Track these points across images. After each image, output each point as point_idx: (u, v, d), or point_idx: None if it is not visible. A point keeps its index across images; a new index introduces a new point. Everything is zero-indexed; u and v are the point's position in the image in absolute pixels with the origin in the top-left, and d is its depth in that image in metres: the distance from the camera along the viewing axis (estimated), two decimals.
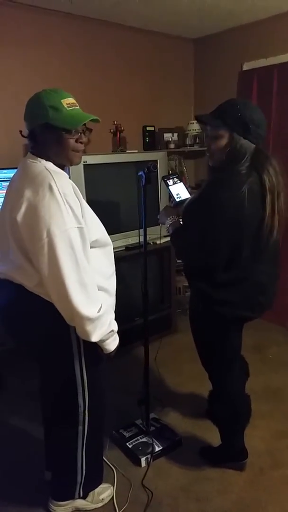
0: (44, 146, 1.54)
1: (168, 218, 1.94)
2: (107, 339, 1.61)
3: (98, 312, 1.50)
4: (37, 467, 2.11)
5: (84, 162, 2.78)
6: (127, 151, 3.49)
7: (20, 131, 1.61)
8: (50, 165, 1.54)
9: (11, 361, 2.92)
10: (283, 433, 2.39)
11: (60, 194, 1.43)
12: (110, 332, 1.60)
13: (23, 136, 1.60)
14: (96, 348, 1.65)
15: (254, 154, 1.70)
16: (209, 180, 1.82)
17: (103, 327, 1.54)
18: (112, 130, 3.48)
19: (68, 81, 3.21)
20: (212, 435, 2.23)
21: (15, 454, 2.29)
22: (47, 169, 1.50)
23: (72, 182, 1.53)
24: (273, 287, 1.89)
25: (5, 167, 2.85)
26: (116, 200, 3.10)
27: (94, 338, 1.53)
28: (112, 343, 1.65)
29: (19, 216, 1.44)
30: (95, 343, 1.58)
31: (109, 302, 1.66)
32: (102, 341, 1.59)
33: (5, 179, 2.84)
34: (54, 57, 3.25)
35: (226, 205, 1.65)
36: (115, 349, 1.68)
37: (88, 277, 1.48)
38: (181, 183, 2.06)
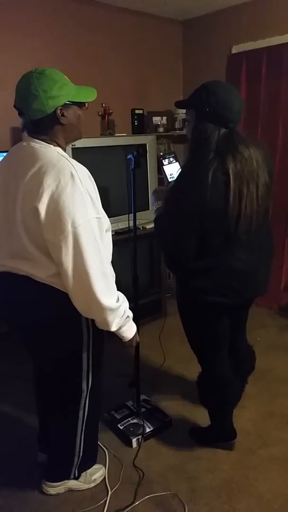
0: (65, 126, 1.51)
1: (156, 203, 1.94)
2: (123, 326, 1.60)
3: (117, 301, 1.51)
4: (29, 449, 2.13)
5: (72, 145, 2.75)
6: (116, 134, 3.46)
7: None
8: (61, 151, 1.51)
9: (1, 345, 2.92)
10: (270, 414, 2.44)
11: (81, 183, 1.40)
12: (126, 318, 1.59)
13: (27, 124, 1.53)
14: (103, 336, 1.66)
15: (220, 139, 1.65)
16: (181, 168, 1.81)
17: (120, 315, 1.54)
18: (100, 113, 3.44)
19: (54, 62, 3.12)
20: (201, 416, 2.27)
21: (4, 437, 2.31)
22: (63, 156, 1.47)
23: (86, 169, 1.49)
24: (257, 275, 1.85)
25: None
26: (105, 185, 3.06)
27: (114, 327, 1.54)
28: (129, 330, 1.64)
29: (42, 206, 1.38)
30: (103, 331, 1.59)
31: None
32: (119, 329, 1.58)
33: None
34: (39, 39, 3.19)
35: (190, 194, 1.63)
36: (134, 336, 1.68)
37: (107, 266, 1.48)
38: (177, 162, 2.04)
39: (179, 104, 1.84)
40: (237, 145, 1.65)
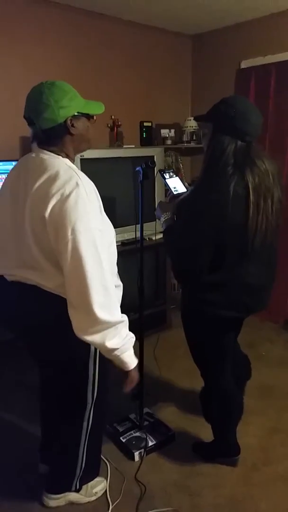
0: (74, 137, 1.52)
1: (163, 215, 1.94)
2: (125, 351, 1.51)
3: (117, 318, 1.45)
4: (30, 459, 2.10)
5: (81, 156, 2.78)
6: (124, 146, 3.49)
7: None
8: (69, 162, 1.51)
9: (5, 354, 2.92)
10: (275, 430, 2.40)
11: (86, 193, 1.40)
12: (129, 339, 1.51)
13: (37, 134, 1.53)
14: None
15: (237, 152, 1.65)
16: (197, 181, 1.80)
17: (119, 334, 1.46)
18: (109, 125, 3.47)
19: (64, 75, 3.15)
20: (205, 431, 2.24)
21: (5, 446, 2.29)
22: (71, 167, 1.48)
23: (93, 184, 1.50)
24: (264, 289, 1.86)
25: (2, 159, 2.84)
26: (113, 195, 3.09)
27: (111, 344, 1.45)
28: (131, 358, 1.55)
29: (47, 214, 1.38)
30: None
31: (119, 295, 1.64)
32: (119, 350, 1.49)
33: (2, 171, 2.83)
34: (50, 51, 3.23)
35: (210, 208, 1.62)
36: (135, 368, 1.58)
37: (109, 280, 1.45)
38: (177, 177, 2.08)
39: (198, 118, 1.84)
40: (254, 159, 1.66)
